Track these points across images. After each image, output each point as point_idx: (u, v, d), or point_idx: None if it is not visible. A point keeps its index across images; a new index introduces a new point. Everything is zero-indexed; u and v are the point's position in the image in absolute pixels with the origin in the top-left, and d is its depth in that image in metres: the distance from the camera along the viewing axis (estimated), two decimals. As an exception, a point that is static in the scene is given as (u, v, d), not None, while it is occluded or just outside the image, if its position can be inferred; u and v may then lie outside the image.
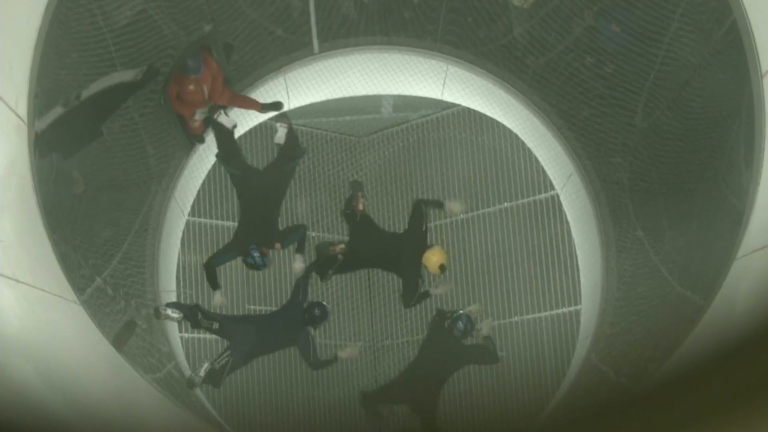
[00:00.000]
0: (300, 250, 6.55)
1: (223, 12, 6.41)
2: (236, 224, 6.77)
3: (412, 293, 6.48)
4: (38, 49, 4.35)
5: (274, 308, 7.78)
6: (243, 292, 7.86)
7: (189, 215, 7.63)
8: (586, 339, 6.78)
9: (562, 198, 7.60)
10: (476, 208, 8.20)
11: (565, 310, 7.69)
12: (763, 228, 4.00)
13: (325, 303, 6.49)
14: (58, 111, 5.04)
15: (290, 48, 7.02)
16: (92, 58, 5.50)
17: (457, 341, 6.52)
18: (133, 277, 6.39)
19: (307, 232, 6.94)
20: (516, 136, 7.67)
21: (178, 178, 6.90)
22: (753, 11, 4.19)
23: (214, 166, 7.28)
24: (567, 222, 7.64)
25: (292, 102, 7.37)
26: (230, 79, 6.70)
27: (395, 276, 7.06)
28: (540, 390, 7.47)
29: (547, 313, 7.76)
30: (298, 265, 6.51)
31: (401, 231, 7.09)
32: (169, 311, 6.08)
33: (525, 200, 8.01)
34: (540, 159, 7.62)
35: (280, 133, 6.62)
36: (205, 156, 7.06)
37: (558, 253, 7.81)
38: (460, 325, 6.45)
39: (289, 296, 6.65)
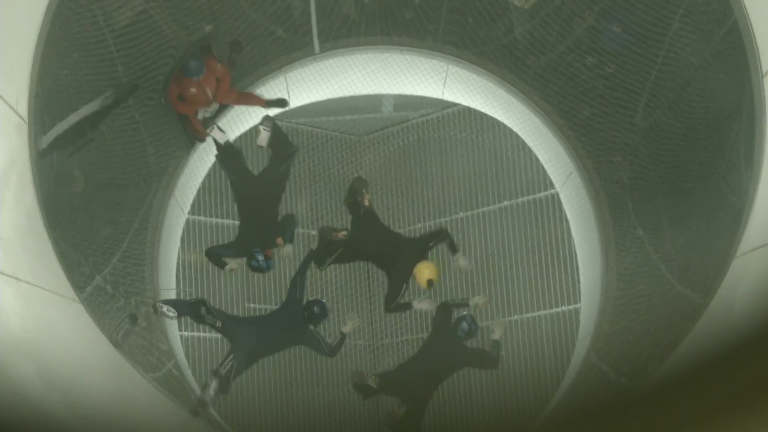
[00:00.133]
0: (289, 240, 6.61)
1: (223, 12, 6.42)
2: (236, 223, 6.79)
3: (394, 297, 6.50)
4: (39, 49, 4.36)
5: (273, 307, 7.78)
6: (243, 291, 7.85)
7: (189, 214, 7.64)
8: (585, 338, 6.78)
9: (562, 197, 7.60)
10: (476, 206, 8.20)
11: (564, 308, 7.69)
12: (762, 227, 4.01)
13: (324, 300, 6.48)
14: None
15: (291, 48, 7.02)
16: (93, 58, 5.50)
17: (459, 342, 6.51)
18: (132, 275, 6.39)
19: (304, 230, 6.98)
20: (516, 135, 7.67)
21: (178, 177, 6.91)
22: (754, 12, 4.19)
23: (214, 165, 7.28)
24: (567, 221, 7.64)
25: (293, 101, 7.38)
26: (233, 78, 6.70)
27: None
28: (540, 389, 7.47)
29: (547, 312, 7.76)
30: (289, 248, 6.56)
31: (407, 235, 7.14)
32: (165, 309, 6.09)
33: (525, 199, 8.01)
34: (540, 158, 7.63)
35: (263, 136, 6.55)
36: (206, 154, 7.06)
37: (558, 251, 7.80)
38: (465, 325, 6.44)
39: (286, 295, 6.64)
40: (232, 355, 6.10)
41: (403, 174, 8.48)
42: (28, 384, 3.44)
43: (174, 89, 6.21)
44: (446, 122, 8.42)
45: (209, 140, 6.69)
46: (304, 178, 8.41)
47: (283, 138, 6.71)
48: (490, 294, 7.83)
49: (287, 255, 6.63)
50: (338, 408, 8.06)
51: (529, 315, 7.80)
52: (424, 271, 6.35)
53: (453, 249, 6.70)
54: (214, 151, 6.67)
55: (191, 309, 6.12)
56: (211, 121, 6.47)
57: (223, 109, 6.76)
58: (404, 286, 6.52)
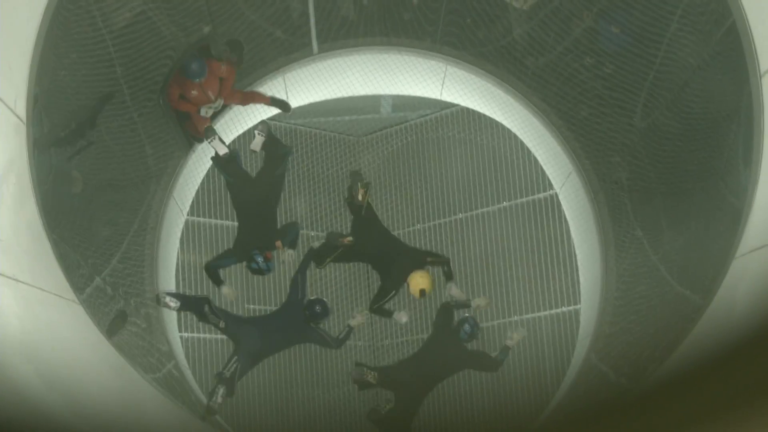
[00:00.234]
0: (292, 246, 6.58)
1: (222, 13, 6.41)
2: (235, 224, 6.79)
3: (380, 299, 6.53)
4: (37, 50, 4.36)
5: (273, 308, 7.78)
6: (243, 292, 7.85)
7: (188, 215, 7.63)
8: (585, 338, 6.79)
9: (561, 197, 7.60)
10: (475, 207, 8.20)
11: (564, 309, 7.69)
12: (761, 227, 4.01)
13: (325, 299, 6.48)
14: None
15: (289, 49, 7.02)
16: (91, 59, 5.50)
17: (460, 344, 6.51)
18: (132, 276, 6.39)
19: (303, 231, 6.98)
20: (515, 135, 7.67)
21: (177, 178, 6.90)
22: (752, 12, 4.20)
23: (212, 166, 7.27)
24: (566, 221, 7.64)
25: (291, 102, 7.37)
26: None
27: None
28: (540, 390, 7.47)
29: (547, 313, 7.76)
30: (289, 253, 6.54)
31: (407, 242, 7.15)
32: (167, 299, 6.11)
33: (524, 200, 8.01)
34: (539, 158, 7.63)
35: (257, 141, 6.62)
36: (204, 155, 7.06)
37: (557, 252, 7.80)
38: (467, 327, 6.44)
39: (287, 295, 6.64)
40: (236, 357, 6.10)
41: (402, 175, 8.48)
42: (27, 384, 3.43)
43: (175, 90, 6.21)
44: (445, 123, 8.42)
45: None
46: (303, 178, 8.41)
47: (275, 140, 6.71)
48: (490, 295, 7.83)
49: (290, 261, 6.59)
50: (338, 408, 8.06)
51: (529, 316, 7.80)
52: (419, 281, 6.36)
53: (448, 276, 6.71)
54: (211, 154, 6.66)
55: (195, 305, 6.12)
56: (212, 132, 6.45)
57: (223, 109, 6.76)
58: (393, 292, 6.55)
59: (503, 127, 7.72)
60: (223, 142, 6.52)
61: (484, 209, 8.17)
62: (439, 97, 7.70)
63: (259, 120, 7.15)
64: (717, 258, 4.38)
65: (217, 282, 6.51)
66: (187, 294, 6.50)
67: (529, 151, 7.71)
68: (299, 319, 6.35)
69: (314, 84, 7.29)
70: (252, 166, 7.59)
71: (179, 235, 7.57)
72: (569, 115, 6.76)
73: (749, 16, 4.21)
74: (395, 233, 8.06)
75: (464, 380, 7.64)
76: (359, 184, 6.63)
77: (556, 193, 7.69)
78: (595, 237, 6.74)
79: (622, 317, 6.21)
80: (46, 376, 3.64)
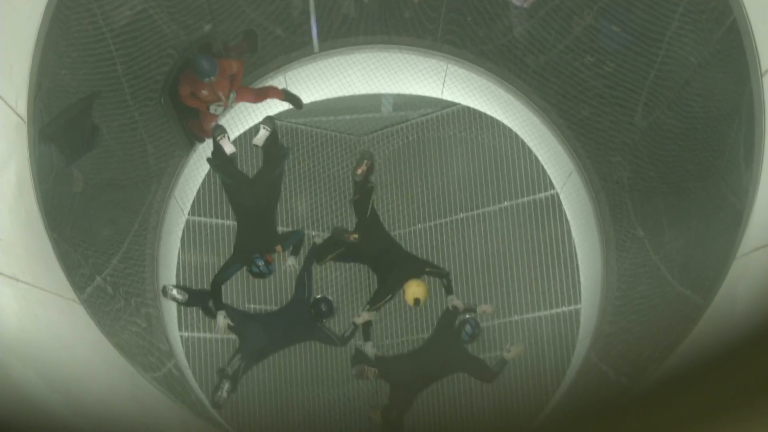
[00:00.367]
0: (294, 253, 6.53)
1: (223, 11, 6.41)
2: (235, 224, 6.75)
3: (375, 303, 6.52)
4: (38, 49, 4.37)
5: (274, 307, 7.78)
6: (243, 292, 7.85)
7: (189, 214, 7.63)
8: (585, 338, 6.78)
9: (561, 197, 7.60)
10: (476, 207, 8.20)
11: (564, 309, 7.69)
12: (762, 227, 4.01)
13: (330, 298, 6.47)
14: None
15: (290, 47, 7.02)
16: (92, 58, 5.50)
17: (460, 345, 6.51)
18: (133, 276, 6.39)
19: (306, 233, 6.94)
20: (516, 134, 7.67)
21: (178, 177, 6.90)
22: (753, 11, 4.19)
23: (212, 167, 7.28)
24: (567, 221, 7.63)
25: (279, 106, 7.37)
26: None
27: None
28: (540, 389, 7.47)
29: (547, 312, 7.76)
30: (290, 261, 6.50)
31: (408, 249, 7.15)
32: (174, 291, 6.08)
33: (525, 199, 8.01)
34: (540, 158, 7.62)
35: (261, 135, 6.47)
36: (205, 155, 7.05)
37: (558, 252, 7.80)
38: (469, 328, 6.43)
39: (293, 292, 6.62)
40: (239, 354, 6.10)
41: (403, 174, 8.48)
42: (27, 384, 3.43)
43: (186, 88, 6.17)
44: (445, 122, 8.42)
45: (208, 140, 6.67)
46: (304, 178, 8.41)
47: (276, 140, 6.68)
48: (491, 295, 7.84)
49: (291, 268, 6.53)
50: (338, 407, 8.06)
51: (530, 315, 7.80)
52: (415, 289, 6.36)
53: (448, 290, 6.70)
54: (207, 155, 6.63)
55: (201, 299, 6.11)
56: (222, 130, 6.41)
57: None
58: (389, 296, 6.55)
59: (504, 126, 7.71)
60: (230, 140, 6.48)
61: (485, 209, 8.18)
62: (440, 96, 7.69)
63: (258, 120, 7.13)
64: (718, 258, 4.38)
65: (219, 305, 6.27)
66: (194, 288, 6.45)
67: (530, 151, 7.71)
68: (305, 317, 6.33)
69: (315, 83, 7.29)
70: (250, 168, 7.58)
71: (180, 234, 7.57)
72: (570, 114, 6.76)
73: (750, 15, 4.20)
74: (396, 233, 8.08)
75: (464, 380, 7.64)
76: (366, 161, 6.56)
77: (557, 193, 7.69)
78: (596, 236, 6.74)
79: (622, 317, 6.20)
80: (46, 376, 3.64)
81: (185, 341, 7.42)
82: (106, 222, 6.16)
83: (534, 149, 7.58)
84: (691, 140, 5.36)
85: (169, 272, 7.16)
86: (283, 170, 6.69)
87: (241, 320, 6.25)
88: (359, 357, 6.53)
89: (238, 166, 6.68)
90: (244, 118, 7.30)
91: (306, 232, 7.75)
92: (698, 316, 4.35)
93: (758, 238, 3.99)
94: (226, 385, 5.94)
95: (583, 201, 6.88)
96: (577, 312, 7.55)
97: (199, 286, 7.42)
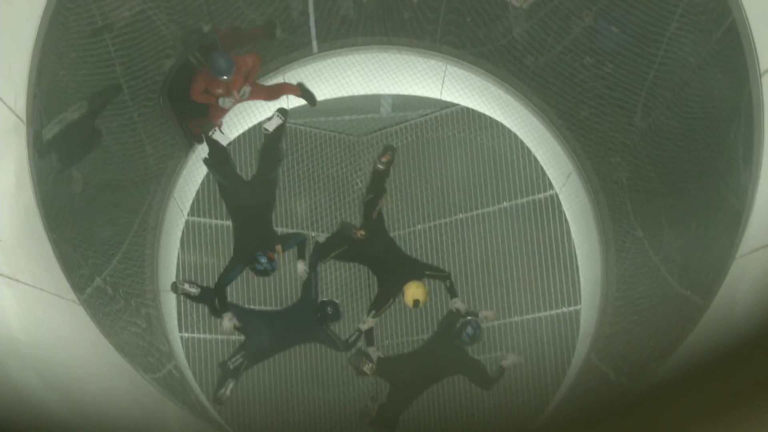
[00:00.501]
0: (301, 256, 6.51)
1: (222, 12, 6.41)
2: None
3: (378, 307, 6.53)
4: (37, 50, 4.36)
5: (277, 308, 7.79)
6: (244, 292, 7.84)
7: (188, 215, 7.63)
8: (585, 339, 6.79)
9: (561, 197, 7.60)
10: (475, 207, 8.20)
11: (564, 309, 7.69)
12: (762, 227, 4.01)
13: (337, 301, 6.46)
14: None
15: (289, 48, 7.02)
16: (91, 59, 5.50)
17: (461, 347, 6.51)
18: (132, 276, 6.38)
19: (307, 236, 6.93)
20: (515, 135, 7.67)
21: (177, 178, 6.90)
22: (752, 11, 4.19)
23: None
24: (566, 221, 7.63)
25: (291, 101, 7.37)
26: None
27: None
28: (540, 390, 7.47)
29: (547, 313, 7.76)
30: (301, 267, 6.47)
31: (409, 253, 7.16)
32: (186, 285, 6.07)
33: (524, 200, 8.01)
34: (539, 158, 7.63)
35: (273, 121, 6.47)
36: (204, 156, 7.05)
37: (557, 252, 7.80)
38: (470, 330, 6.43)
39: (300, 293, 6.60)
40: (243, 351, 6.09)
41: (402, 175, 8.47)
42: (27, 384, 3.43)
43: (201, 84, 6.12)
44: (444, 122, 8.42)
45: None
46: (303, 178, 8.40)
47: (278, 142, 6.67)
48: (490, 295, 7.84)
49: (303, 273, 6.49)
50: (338, 407, 8.06)
51: (530, 316, 7.80)
52: (415, 291, 6.37)
53: (452, 293, 6.71)
54: (203, 156, 6.62)
55: (209, 296, 6.11)
56: (212, 127, 6.41)
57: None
58: (391, 300, 6.56)
59: (503, 126, 7.71)
60: (223, 133, 6.45)
61: (485, 209, 8.17)
62: (439, 97, 7.69)
63: (257, 121, 7.13)
64: (717, 258, 4.38)
65: (225, 307, 6.24)
66: (203, 285, 6.43)
67: (529, 151, 7.71)
68: (311, 319, 6.32)
69: (314, 83, 7.28)
70: (245, 171, 7.56)
71: (179, 235, 7.57)
72: (569, 115, 6.76)
73: (749, 15, 4.21)
74: (395, 233, 8.08)
75: (464, 380, 7.62)
76: (389, 152, 6.62)
77: (556, 193, 7.69)
78: (596, 237, 6.74)
79: (622, 317, 6.20)
80: (46, 376, 3.64)
81: (185, 342, 7.41)
82: (105, 223, 6.15)
83: (533, 150, 7.58)
84: (690, 141, 5.36)
85: (168, 273, 7.15)
86: (277, 175, 6.66)
87: (246, 318, 6.25)
88: (359, 354, 6.53)
89: (235, 168, 6.66)
90: (243, 119, 7.30)
91: (306, 233, 7.75)
92: (698, 316, 4.36)
93: (757, 239, 4.00)
94: (231, 384, 5.94)
95: (583, 202, 6.88)
96: (577, 313, 7.55)
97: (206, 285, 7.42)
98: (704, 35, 4.93)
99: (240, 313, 6.25)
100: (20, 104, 4.18)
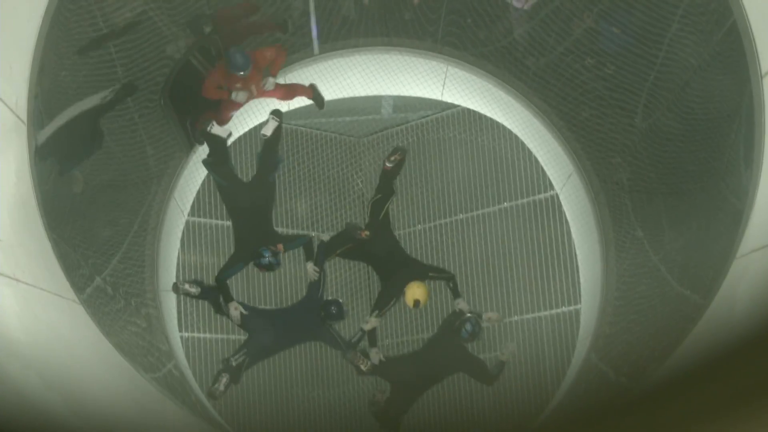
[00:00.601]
0: (309, 257, 6.50)
1: (223, 13, 6.41)
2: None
3: (380, 308, 6.52)
4: (38, 50, 4.37)
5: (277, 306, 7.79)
6: (244, 292, 7.85)
7: (188, 215, 7.63)
8: (585, 338, 6.78)
9: (561, 198, 7.60)
10: (476, 208, 8.20)
11: (564, 309, 7.69)
12: (762, 228, 4.01)
13: (341, 300, 6.45)
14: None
15: (290, 49, 7.01)
16: (92, 59, 5.51)
17: (461, 344, 6.51)
18: (132, 276, 6.39)
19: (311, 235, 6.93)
20: (516, 136, 7.67)
21: (178, 178, 6.90)
22: (753, 13, 4.20)
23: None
24: (567, 222, 7.63)
25: (291, 103, 7.38)
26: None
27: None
28: (540, 389, 7.46)
29: (547, 313, 7.75)
30: (310, 268, 6.46)
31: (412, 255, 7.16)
32: (186, 286, 6.06)
33: (525, 200, 8.01)
34: (540, 159, 7.63)
35: (270, 125, 6.43)
36: (205, 156, 7.06)
37: (557, 252, 7.80)
38: (468, 326, 6.42)
39: (306, 291, 6.60)
40: (245, 349, 6.09)
41: (403, 175, 8.45)
42: (27, 384, 3.44)
43: (216, 79, 6.08)
44: (445, 124, 8.42)
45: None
46: (304, 179, 8.41)
47: (276, 145, 6.66)
48: (491, 295, 7.84)
49: (312, 274, 6.47)
50: (338, 407, 8.06)
51: (530, 316, 7.80)
52: (415, 291, 6.35)
53: (455, 294, 6.70)
54: (202, 157, 6.62)
55: (212, 294, 6.11)
56: (208, 122, 6.39)
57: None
58: (394, 300, 6.56)
59: (504, 127, 7.72)
60: (220, 126, 6.44)
61: (485, 210, 8.17)
62: (440, 98, 7.70)
63: (257, 121, 7.13)
64: (717, 258, 4.38)
65: (228, 298, 6.24)
66: (204, 283, 6.43)
67: (529, 152, 7.71)
68: (314, 318, 6.32)
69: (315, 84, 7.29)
70: (243, 174, 7.55)
71: (180, 235, 7.57)
72: (570, 116, 6.76)
73: (750, 17, 4.21)
74: (396, 234, 8.06)
75: (464, 380, 7.63)
76: (399, 152, 6.64)
77: (556, 194, 7.69)
78: (596, 237, 6.74)
79: (622, 317, 6.20)
80: (45, 376, 3.64)
81: (185, 342, 7.41)
82: (105, 223, 6.16)
83: (534, 151, 7.58)
84: (690, 141, 5.37)
85: (168, 273, 7.16)
86: (275, 178, 6.63)
87: (250, 315, 6.25)
88: (356, 351, 6.52)
89: (234, 169, 6.65)
90: (243, 120, 7.30)
91: (310, 234, 7.75)
92: (698, 316, 4.36)
93: (758, 239, 4.00)
94: (224, 378, 5.93)
95: (583, 202, 6.88)
96: (577, 312, 7.55)
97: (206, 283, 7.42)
98: (705, 36, 4.93)
99: (245, 310, 6.25)
100: (21, 105, 4.19)
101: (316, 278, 6.42)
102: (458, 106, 7.99)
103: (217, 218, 7.83)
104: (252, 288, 7.94)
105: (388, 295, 6.57)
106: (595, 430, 3.28)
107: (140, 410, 4.98)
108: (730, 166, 4.69)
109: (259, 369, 7.41)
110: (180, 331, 7.30)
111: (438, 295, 7.52)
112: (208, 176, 7.45)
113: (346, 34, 7.04)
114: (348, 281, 8.22)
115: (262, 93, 6.43)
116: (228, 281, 6.35)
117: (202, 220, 7.80)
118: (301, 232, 7.79)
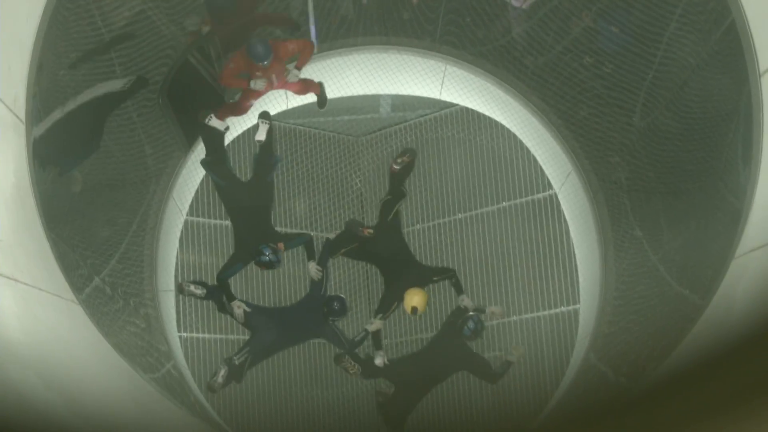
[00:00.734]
0: (311, 257, 6.49)
1: (221, 12, 6.40)
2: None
3: (383, 310, 6.54)
4: (37, 49, 4.36)
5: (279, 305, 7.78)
6: (244, 292, 7.84)
7: (187, 215, 7.63)
8: (584, 338, 6.79)
9: (560, 197, 7.60)
10: (474, 207, 8.20)
11: (563, 309, 7.69)
12: (761, 227, 4.01)
13: (343, 296, 6.45)
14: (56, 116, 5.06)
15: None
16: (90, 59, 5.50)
17: (463, 341, 6.51)
18: (131, 276, 6.38)
19: (314, 234, 6.92)
20: (514, 135, 7.67)
21: (177, 178, 6.89)
22: (751, 11, 4.20)
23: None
24: (565, 221, 7.64)
25: (290, 102, 7.38)
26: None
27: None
28: (539, 389, 7.47)
29: (546, 313, 7.76)
30: (312, 268, 6.45)
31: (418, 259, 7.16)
32: (192, 287, 6.07)
33: (523, 199, 8.01)
34: (538, 158, 7.63)
35: (262, 130, 6.48)
36: (203, 156, 7.05)
37: (556, 252, 7.80)
38: (471, 324, 6.42)
39: (309, 289, 6.60)
40: (248, 348, 6.09)
41: (402, 175, 8.46)
42: (26, 384, 3.43)
43: (236, 68, 6.05)
44: (444, 123, 8.42)
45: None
46: (302, 179, 8.40)
47: (270, 146, 6.66)
48: (489, 295, 7.83)
49: (315, 273, 6.47)
50: (337, 407, 8.06)
51: (528, 316, 7.80)
52: (413, 298, 6.35)
53: (458, 290, 6.69)
54: (201, 157, 6.62)
55: (217, 294, 6.12)
56: (206, 111, 6.39)
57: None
58: (396, 303, 6.57)
59: (502, 126, 7.72)
60: (218, 119, 6.43)
61: (484, 209, 8.17)
62: (438, 97, 7.70)
63: (261, 113, 7.12)
64: (716, 258, 4.38)
65: (230, 297, 6.30)
66: (208, 283, 6.43)
67: (528, 151, 7.71)
68: (317, 315, 6.32)
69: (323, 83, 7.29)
70: (241, 174, 7.54)
71: (178, 235, 7.56)
72: (568, 115, 6.77)
73: (748, 15, 4.21)
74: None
75: (464, 380, 7.64)
76: (407, 155, 6.67)
77: (555, 193, 7.69)
78: (595, 237, 6.74)
79: (621, 317, 6.21)
80: (45, 376, 3.64)
81: (184, 342, 7.41)
82: (104, 222, 6.15)
83: (532, 150, 7.59)
84: (689, 141, 5.37)
85: (167, 273, 7.15)
86: (273, 178, 6.64)
87: (253, 313, 6.25)
88: (342, 354, 6.51)
89: (232, 169, 6.65)
90: (243, 119, 7.29)
91: (310, 233, 7.74)
92: (697, 316, 4.36)
93: (756, 238, 4.00)
94: (222, 371, 5.94)
95: (582, 201, 6.89)
96: (576, 312, 7.55)
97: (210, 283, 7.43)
98: (703, 35, 4.93)
99: (248, 308, 6.25)
100: (20, 104, 4.18)
101: (319, 277, 6.41)
102: (457, 105, 7.99)
103: (215, 218, 7.82)
104: (252, 288, 7.94)
105: (391, 298, 6.57)
106: (595, 430, 3.29)
107: (139, 410, 4.98)
108: (728, 165, 4.69)
109: (258, 369, 7.41)
110: (179, 331, 7.30)
111: (440, 294, 7.52)
112: (206, 176, 7.44)
113: (345, 33, 7.04)
114: (348, 281, 8.22)
115: (283, 84, 6.43)
116: (228, 281, 6.37)
117: (201, 219, 7.79)
118: (300, 231, 7.77)
